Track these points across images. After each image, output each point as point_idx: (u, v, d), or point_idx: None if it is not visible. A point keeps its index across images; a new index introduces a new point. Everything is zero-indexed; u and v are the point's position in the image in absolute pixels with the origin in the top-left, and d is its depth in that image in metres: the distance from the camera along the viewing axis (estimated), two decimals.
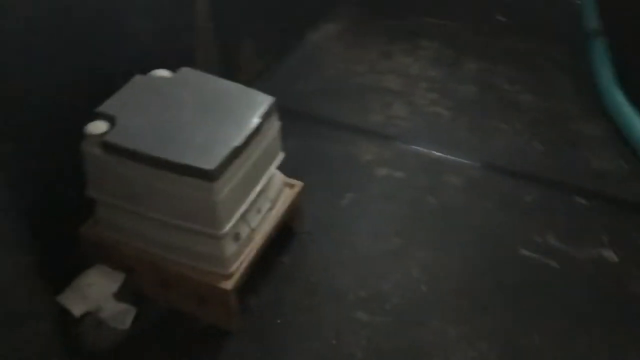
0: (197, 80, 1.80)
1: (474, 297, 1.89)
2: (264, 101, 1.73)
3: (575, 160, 2.35)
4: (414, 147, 2.42)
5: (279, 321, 1.82)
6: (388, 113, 2.58)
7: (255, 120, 1.67)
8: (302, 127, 2.49)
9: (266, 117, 1.71)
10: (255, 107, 1.71)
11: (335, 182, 2.27)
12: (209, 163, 1.53)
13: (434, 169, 2.32)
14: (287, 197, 1.94)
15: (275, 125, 1.78)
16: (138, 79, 1.79)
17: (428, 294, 1.89)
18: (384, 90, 2.70)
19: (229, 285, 1.69)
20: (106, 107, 1.67)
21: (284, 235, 2.02)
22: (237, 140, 1.60)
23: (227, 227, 1.64)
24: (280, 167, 1.91)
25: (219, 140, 1.60)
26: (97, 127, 1.62)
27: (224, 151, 1.57)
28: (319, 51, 2.92)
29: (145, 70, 1.85)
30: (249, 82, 2.69)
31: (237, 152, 1.60)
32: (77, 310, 1.64)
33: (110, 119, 1.64)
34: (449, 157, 2.37)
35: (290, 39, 2.95)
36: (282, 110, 2.55)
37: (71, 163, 1.69)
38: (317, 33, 3.03)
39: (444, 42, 2.97)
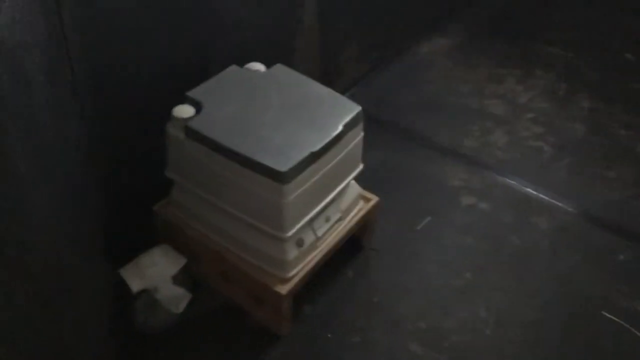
0: (288, 79, 1.78)
1: (540, 352, 1.74)
2: (350, 109, 1.68)
3: None
4: (506, 180, 2.28)
5: (329, 335, 1.77)
6: (485, 140, 2.45)
7: (337, 128, 1.62)
8: (393, 140, 2.42)
9: (350, 126, 1.66)
10: (341, 115, 1.66)
11: (416, 202, 2.18)
12: (282, 165, 1.50)
13: (524, 207, 2.17)
14: (360, 210, 1.88)
15: (358, 135, 1.73)
16: (232, 69, 1.80)
17: (491, 339, 1.77)
18: (486, 115, 2.57)
19: (284, 289, 1.66)
20: (196, 92, 1.68)
21: (352, 248, 1.97)
22: (315, 146, 1.56)
23: (292, 231, 1.61)
24: (361, 178, 1.86)
25: (298, 142, 1.57)
26: (184, 111, 1.64)
27: (299, 155, 1.53)
28: (424, 64, 2.83)
29: (244, 60, 1.85)
30: (348, 87, 2.66)
31: (313, 158, 1.56)
32: (134, 286, 1.66)
33: (197, 105, 1.65)
34: (542, 197, 2.21)
35: (397, 48, 2.88)
36: (374, 120, 2.49)
37: (157, 141, 1.71)
38: (426, 46, 2.94)
39: (560, 74, 2.79)
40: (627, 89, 2.71)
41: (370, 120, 2.48)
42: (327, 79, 2.53)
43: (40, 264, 1.12)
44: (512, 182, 2.27)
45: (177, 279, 1.73)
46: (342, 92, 2.62)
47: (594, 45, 2.96)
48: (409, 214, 2.13)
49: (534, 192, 2.23)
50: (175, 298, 1.71)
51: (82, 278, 1.43)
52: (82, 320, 1.43)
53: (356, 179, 1.83)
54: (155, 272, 1.70)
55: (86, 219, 1.52)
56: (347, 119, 1.65)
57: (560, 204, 2.18)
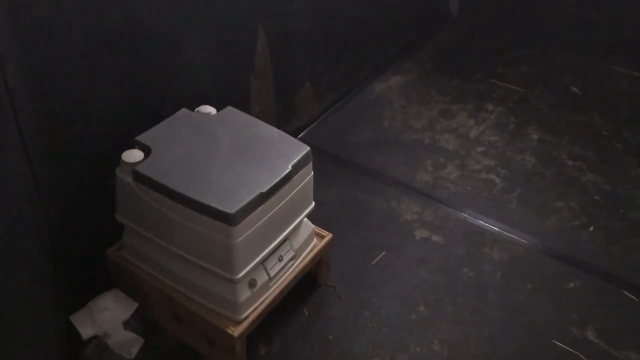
0: (238, 121, 1.81)
1: None
2: (299, 150, 1.71)
3: (631, 252, 2.18)
4: (459, 213, 2.33)
5: None
6: (438, 174, 2.50)
7: (287, 168, 1.65)
8: (347, 176, 2.45)
9: (299, 166, 1.69)
10: (289, 155, 1.69)
11: (370, 238, 2.21)
12: (230, 206, 1.51)
13: (476, 240, 2.22)
14: (314, 247, 1.89)
15: (308, 174, 1.75)
16: (183, 112, 1.82)
17: None
18: (438, 150, 2.63)
19: (237, 331, 1.66)
20: (145, 137, 1.70)
21: (307, 286, 1.98)
22: (264, 187, 1.58)
23: (243, 272, 1.61)
24: (316, 216, 1.88)
25: (246, 184, 1.59)
26: (132, 155, 1.65)
27: (248, 196, 1.55)
28: (379, 102, 2.89)
29: (198, 104, 1.87)
30: (305, 126, 2.70)
31: (262, 198, 1.58)
32: (85, 333, 1.65)
33: (146, 149, 1.66)
34: (494, 228, 2.26)
35: (352, 86, 2.94)
36: (329, 157, 2.54)
37: (110, 185, 1.71)
38: (381, 83, 3.01)
39: (510, 108, 2.88)
40: (574, 121, 2.80)
41: (326, 157, 2.54)
42: (284, 119, 2.57)
43: None
44: (465, 214, 2.32)
45: (128, 324, 1.72)
46: (299, 132, 2.67)
47: (541, 80, 3.07)
48: (364, 249, 2.16)
49: (486, 224, 2.28)
50: (127, 343, 1.70)
51: (23, 326, 1.41)
52: None
53: (310, 216, 1.85)
54: (107, 318, 1.68)
55: (31, 267, 1.50)
56: (296, 159, 1.68)
57: (511, 235, 2.23)
